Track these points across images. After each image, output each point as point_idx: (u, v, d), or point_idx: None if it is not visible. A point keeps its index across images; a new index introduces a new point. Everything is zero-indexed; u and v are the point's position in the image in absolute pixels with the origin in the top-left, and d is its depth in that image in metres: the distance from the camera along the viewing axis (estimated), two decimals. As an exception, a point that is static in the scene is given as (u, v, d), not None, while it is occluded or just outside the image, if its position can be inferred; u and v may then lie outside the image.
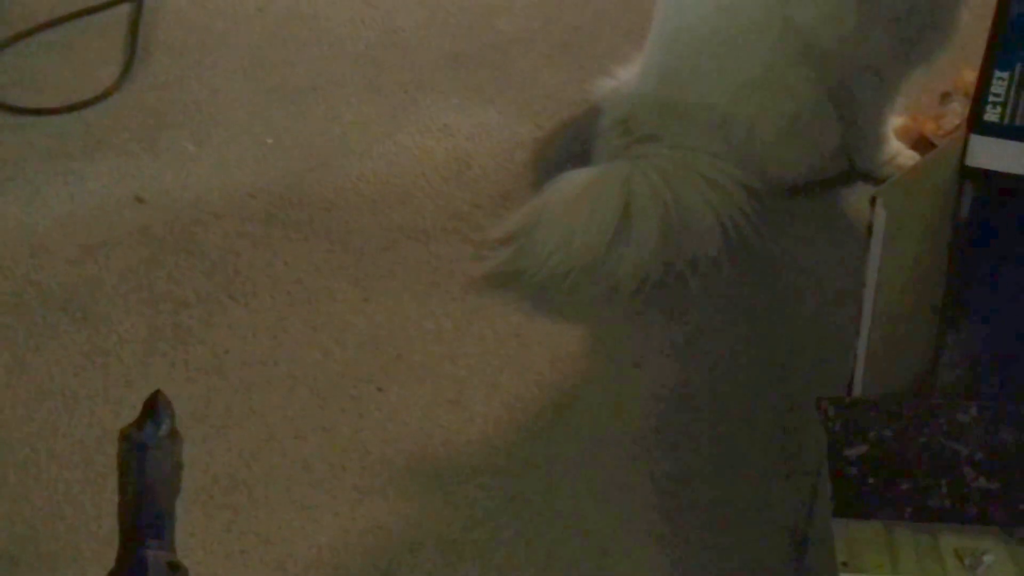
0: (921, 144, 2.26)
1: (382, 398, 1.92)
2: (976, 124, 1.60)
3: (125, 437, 1.30)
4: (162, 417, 1.30)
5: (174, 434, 1.32)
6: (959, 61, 2.17)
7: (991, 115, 1.60)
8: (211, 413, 1.88)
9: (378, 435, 1.86)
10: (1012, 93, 1.58)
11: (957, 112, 2.24)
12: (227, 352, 1.98)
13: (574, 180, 2.14)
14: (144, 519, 1.30)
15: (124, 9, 2.67)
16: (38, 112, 2.42)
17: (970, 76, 1.76)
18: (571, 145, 2.32)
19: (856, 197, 2.20)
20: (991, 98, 1.59)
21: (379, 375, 1.95)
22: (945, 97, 2.32)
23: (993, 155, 1.61)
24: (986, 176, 1.62)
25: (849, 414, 1.54)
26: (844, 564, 1.48)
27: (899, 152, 2.23)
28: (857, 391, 1.62)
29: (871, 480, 1.53)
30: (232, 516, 1.76)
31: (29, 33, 2.61)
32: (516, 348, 1.99)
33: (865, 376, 1.62)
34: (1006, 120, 1.59)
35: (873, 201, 1.54)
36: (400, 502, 1.78)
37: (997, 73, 1.59)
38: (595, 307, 2.04)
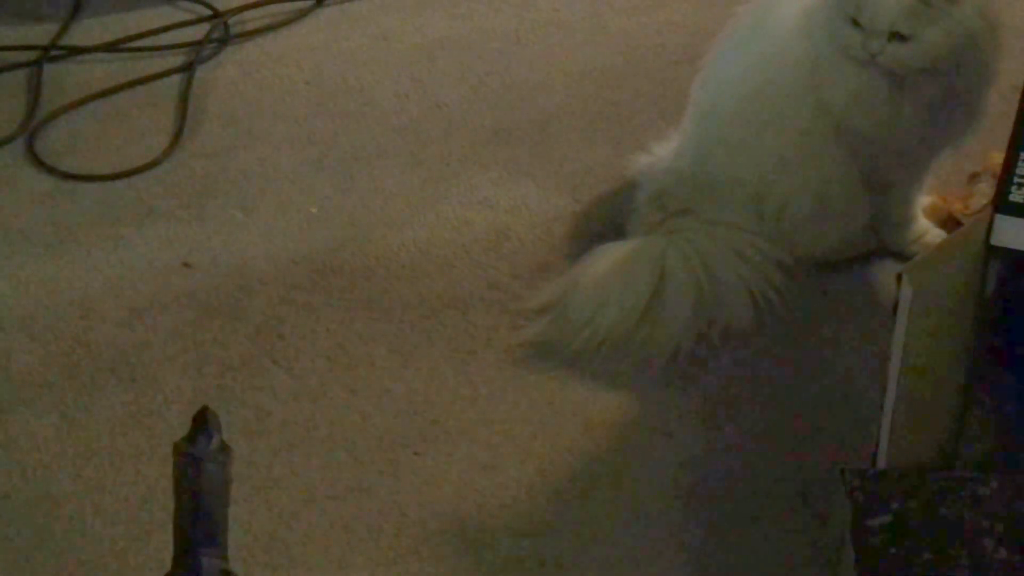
0: (949, 223, 2.27)
1: (419, 462, 1.95)
2: (1002, 204, 1.60)
3: (180, 451, 1.35)
4: (212, 430, 1.35)
5: (225, 447, 1.37)
6: (988, 143, 2.18)
7: (1016, 196, 1.60)
8: (252, 474, 1.92)
9: (414, 498, 1.89)
10: (1037, 175, 1.61)
11: (985, 192, 2.24)
12: (269, 415, 2.02)
13: (610, 253, 2.18)
14: (200, 528, 1.35)
15: (175, 80, 2.74)
16: (90, 179, 2.47)
17: (998, 158, 1.77)
18: (608, 219, 2.34)
19: (884, 274, 2.22)
20: (1016, 179, 1.60)
21: (416, 439, 1.98)
22: (973, 178, 2.32)
23: (1018, 235, 1.61)
24: (1011, 255, 1.63)
25: (873, 485, 1.56)
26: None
27: (927, 231, 2.25)
28: (881, 463, 1.64)
29: (893, 550, 1.55)
30: (271, 574, 1.79)
31: (83, 102, 2.67)
32: (550, 415, 2.02)
33: (889, 448, 1.64)
34: (1031, 201, 1.62)
35: (899, 278, 1.56)
36: (434, 563, 1.81)
37: (1023, 155, 1.61)
38: (627, 376, 2.07)
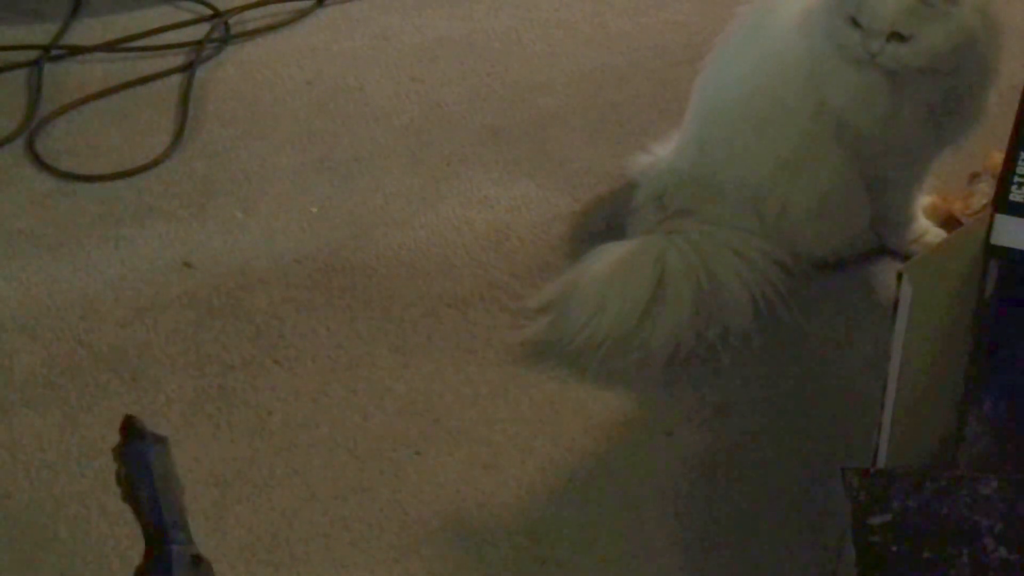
0: (949, 223, 2.28)
1: (420, 461, 1.95)
2: (1002, 204, 1.61)
3: (120, 455, 1.37)
4: (141, 431, 1.38)
5: (159, 438, 1.39)
6: (988, 143, 2.19)
7: (1016, 195, 1.61)
8: (254, 473, 1.92)
9: (415, 497, 1.90)
10: (1038, 174, 1.61)
11: (985, 192, 2.24)
12: (270, 414, 2.02)
13: (609, 253, 2.18)
14: (166, 517, 1.36)
15: (175, 79, 2.74)
16: (90, 178, 2.48)
17: (998, 158, 1.77)
18: (607, 219, 2.35)
19: (884, 274, 2.23)
20: (1017, 179, 1.61)
21: (417, 439, 1.98)
22: (974, 178, 2.33)
23: (1018, 234, 1.62)
24: (1011, 255, 1.63)
25: (873, 484, 1.56)
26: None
27: (927, 230, 2.26)
28: (881, 462, 1.64)
29: (894, 548, 1.55)
30: (274, 573, 1.79)
31: (83, 101, 2.67)
32: (550, 415, 2.02)
33: (889, 448, 1.64)
34: (1032, 200, 1.62)
35: (900, 277, 1.56)
36: (436, 562, 1.81)
37: (1023, 155, 1.62)
38: (628, 376, 2.07)
